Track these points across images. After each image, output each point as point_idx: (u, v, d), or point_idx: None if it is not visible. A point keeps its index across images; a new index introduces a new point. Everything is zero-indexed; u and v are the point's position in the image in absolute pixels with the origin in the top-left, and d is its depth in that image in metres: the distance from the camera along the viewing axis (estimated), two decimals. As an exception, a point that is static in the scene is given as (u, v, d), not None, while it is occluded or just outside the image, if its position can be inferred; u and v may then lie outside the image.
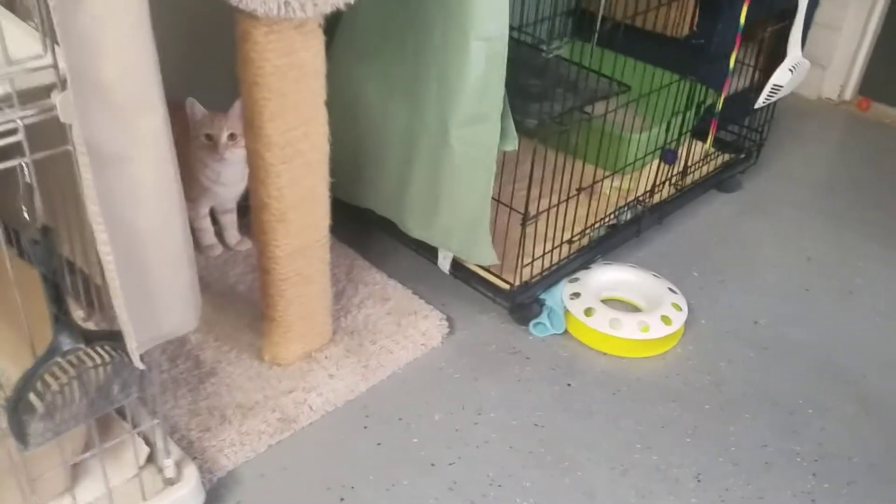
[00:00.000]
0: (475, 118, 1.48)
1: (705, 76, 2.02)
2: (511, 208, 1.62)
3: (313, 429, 1.50)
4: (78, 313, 1.28)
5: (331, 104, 1.37)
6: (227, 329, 1.69)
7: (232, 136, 1.67)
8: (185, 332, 1.12)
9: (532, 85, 1.63)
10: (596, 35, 2.12)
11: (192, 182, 1.75)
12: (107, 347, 1.07)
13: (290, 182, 1.39)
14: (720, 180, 2.23)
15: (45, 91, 0.94)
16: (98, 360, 1.05)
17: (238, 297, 1.78)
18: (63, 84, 0.90)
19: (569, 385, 1.65)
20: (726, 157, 2.22)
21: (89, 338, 1.06)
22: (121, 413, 1.35)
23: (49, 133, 0.96)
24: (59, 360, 1.03)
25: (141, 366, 1.05)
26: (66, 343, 1.03)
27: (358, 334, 1.69)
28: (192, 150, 1.70)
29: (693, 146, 2.08)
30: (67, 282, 1.28)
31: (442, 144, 1.55)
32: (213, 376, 1.58)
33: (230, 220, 1.89)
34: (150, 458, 1.34)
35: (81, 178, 0.90)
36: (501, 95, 1.43)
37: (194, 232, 1.87)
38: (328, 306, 1.62)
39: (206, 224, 1.86)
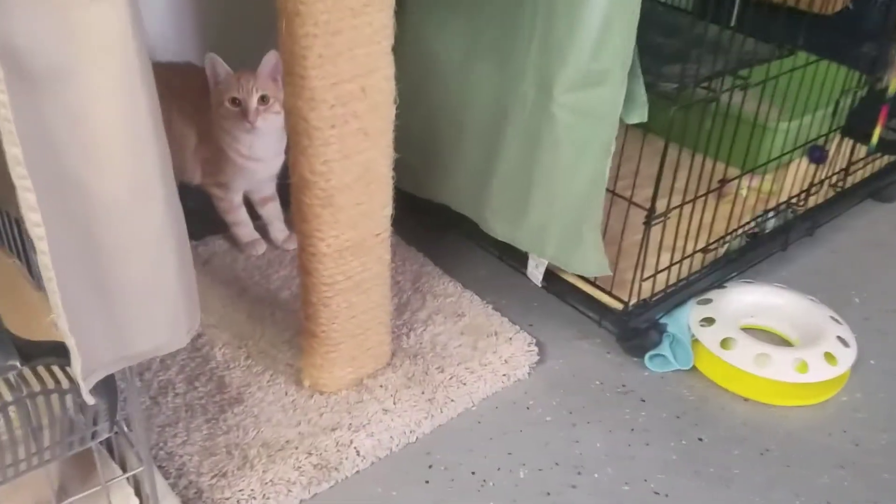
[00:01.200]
0: (591, 78, 1.11)
1: (862, 56, 1.61)
2: (631, 202, 1.24)
3: (359, 480, 1.18)
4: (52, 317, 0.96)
5: (396, 66, 1.04)
6: (262, 345, 1.36)
7: (263, 100, 1.35)
8: (170, 351, 0.77)
9: (664, 45, 1.26)
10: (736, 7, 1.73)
11: (222, 162, 1.45)
12: (55, 367, 0.73)
13: (341, 154, 1.04)
14: (878, 187, 1.81)
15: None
16: (39, 386, 0.71)
17: (280, 305, 1.45)
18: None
19: (700, 440, 1.25)
20: (890, 158, 1.78)
21: (30, 353, 0.72)
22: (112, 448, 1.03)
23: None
24: (-19, 384, 0.70)
25: (90, 399, 0.71)
26: (-7, 360, 0.70)
27: (423, 358, 1.34)
28: (216, 119, 1.40)
29: (842, 143, 1.65)
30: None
31: (541, 115, 1.19)
32: (238, 404, 1.25)
33: (274, 211, 1.57)
34: (142, 513, 1.01)
35: (-8, 101, 0.57)
36: (631, 46, 1.06)
37: (230, 227, 1.56)
38: (386, 321, 1.28)
39: (243, 216, 1.55)
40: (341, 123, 1.02)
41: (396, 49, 1.04)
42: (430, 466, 1.20)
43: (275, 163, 1.47)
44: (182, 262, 0.73)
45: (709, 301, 1.41)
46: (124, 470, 1.02)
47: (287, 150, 1.40)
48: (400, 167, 1.15)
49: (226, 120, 1.39)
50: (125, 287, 0.68)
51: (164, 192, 0.68)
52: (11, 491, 0.88)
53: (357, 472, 1.18)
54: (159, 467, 1.15)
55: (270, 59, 1.35)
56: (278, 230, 1.59)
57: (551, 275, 1.40)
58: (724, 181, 1.31)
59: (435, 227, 1.63)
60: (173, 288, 0.73)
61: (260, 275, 1.53)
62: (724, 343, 1.34)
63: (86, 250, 0.65)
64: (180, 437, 1.19)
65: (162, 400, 1.25)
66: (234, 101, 1.36)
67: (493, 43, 1.24)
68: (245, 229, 1.56)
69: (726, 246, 1.42)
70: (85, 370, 0.68)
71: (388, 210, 1.17)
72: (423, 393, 1.28)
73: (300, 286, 1.21)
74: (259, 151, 1.43)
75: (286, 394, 1.27)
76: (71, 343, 0.66)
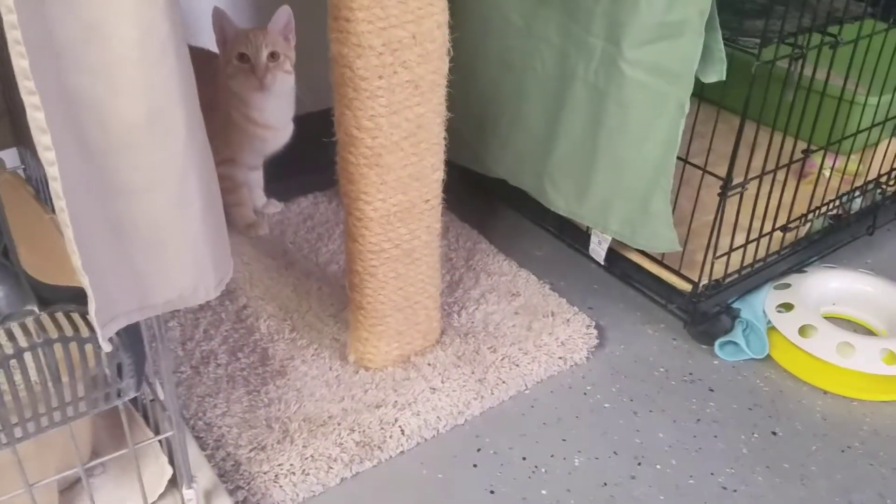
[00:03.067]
0: (664, 31, 1.02)
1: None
2: (705, 170, 1.14)
3: (404, 460, 1.11)
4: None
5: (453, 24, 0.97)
6: (307, 318, 1.31)
7: (273, 56, 1.28)
8: (198, 303, 0.72)
9: (745, 1, 1.15)
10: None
11: (229, 132, 1.38)
12: (76, 315, 0.68)
13: (390, 108, 0.98)
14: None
15: None
16: (56, 333, 0.66)
17: (327, 279, 1.39)
18: None
19: (774, 434, 1.15)
20: None
21: (49, 297, 0.67)
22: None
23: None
24: (-6, 327, 0.65)
25: (107, 346, 0.65)
26: (6, 303, 0.65)
27: (474, 337, 1.27)
28: (225, 81, 1.33)
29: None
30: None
31: (608, 72, 1.10)
32: (280, 377, 1.20)
33: (256, 178, 1.52)
34: (175, 483, 0.96)
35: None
36: (711, -8, 0.96)
37: (228, 208, 1.47)
38: (436, 296, 1.21)
39: (244, 196, 1.49)
40: (390, 74, 0.95)
41: (453, 4, 0.98)
42: (479, 450, 1.13)
43: (286, 131, 1.40)
44: (208, 203, 0.68)
45: (787, 286, 1.30)
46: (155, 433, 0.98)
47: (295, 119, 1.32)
48: (455, 141, 1.08)
49: (233, 79, 1.30)
50: (144, 224, 0.63)
51: (186, 119, 0.62)
52: (36, 450, 0.83)
53: (401, 452, 1.12)
54: (197, 438, 1.10)
55: (282, 15, 1.28)
56: (258, 197, 1.54)
57: (614, 255, 1.32)
58: (807, 151, 1.20)
59: (490, 203, 1.56)
60: (198, 230, 0.67)
61: (309, 248, 1.48)
62: (804, 331, 1.23)
63: (100, 181, 0.60)
64: (220, 408, 1.15)
65: (203, 370, 1.21)
66: (242, 56, 1.28)
67: None
68: (245, 210, 1.49)
69: (808, 226, 1.31)
70: (102, 314, 0.63)
71: (440, 174, 1.10)
72: (473, 373, 1.21)
73: (345, 254, 1.15)
74: (270, 117, 1.36)
75: (330, 368, 1.22)
76: (85, 282, 0.60)
